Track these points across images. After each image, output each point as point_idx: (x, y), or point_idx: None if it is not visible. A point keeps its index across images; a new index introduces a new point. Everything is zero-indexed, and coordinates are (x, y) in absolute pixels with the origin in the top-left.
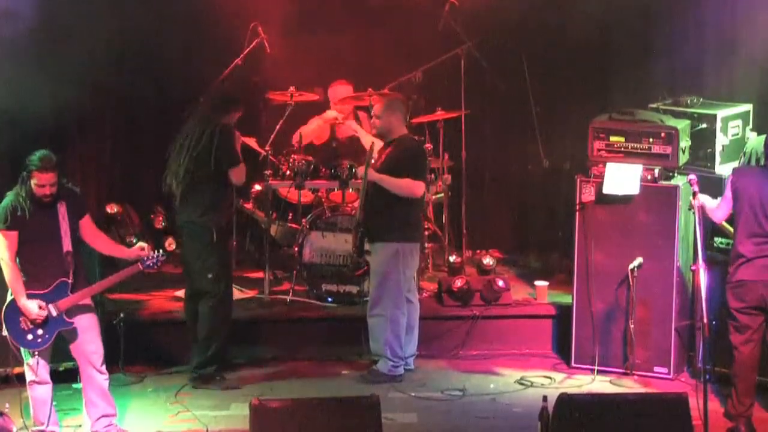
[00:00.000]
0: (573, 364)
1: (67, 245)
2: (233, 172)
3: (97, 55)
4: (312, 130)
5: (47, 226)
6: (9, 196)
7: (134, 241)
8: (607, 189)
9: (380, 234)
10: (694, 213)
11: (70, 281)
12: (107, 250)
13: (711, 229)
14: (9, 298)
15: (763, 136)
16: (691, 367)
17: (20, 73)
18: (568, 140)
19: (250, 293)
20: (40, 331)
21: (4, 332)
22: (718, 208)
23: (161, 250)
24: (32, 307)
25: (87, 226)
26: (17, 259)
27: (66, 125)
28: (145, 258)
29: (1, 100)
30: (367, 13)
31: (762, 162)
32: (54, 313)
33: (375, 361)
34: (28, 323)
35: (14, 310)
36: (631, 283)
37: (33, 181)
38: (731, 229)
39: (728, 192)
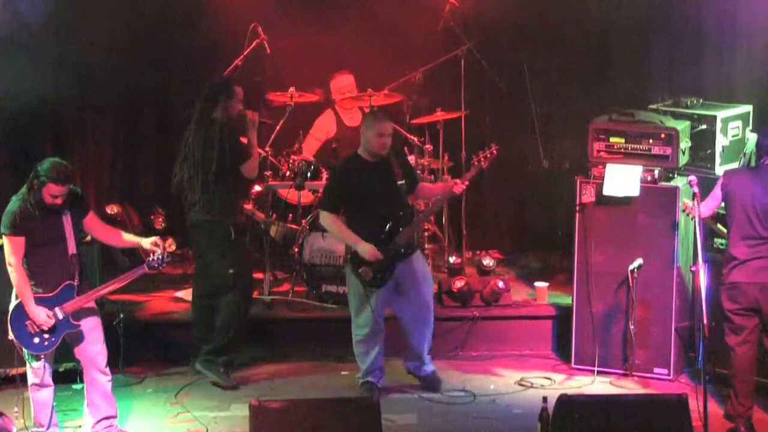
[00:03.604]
0: (573, 365)
1: (72, 248)
2: (244, 167)
3: (98, 55)
4: (319, 129)
5: (53, 229)
6: (15, 201)
7: None
8: (607, 190)
9: (417, 243)
10: (687, 214)
11: (75, 283)
12: (120, 242)
13: (711, 230)
14: (15, 301)
15: None
16: (691, 368)
17: (21, 73)
18: (568, 140)
19: None
20: (46, 335)
21: (11, 336)
22: (703, 203)
23: (164, 253)
24: (41, 314)
25: (93, 222)
26: (24, 264)
27: (66, 125)
28: (151, 259)
29: (2, 100)
30: (367, 14)
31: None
32: (60, 316)
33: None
34: (35, 327)
35: (20, 313)
36: (631, 284)
37: (46, 191)
38: (725, 231)
39: (717, 191)
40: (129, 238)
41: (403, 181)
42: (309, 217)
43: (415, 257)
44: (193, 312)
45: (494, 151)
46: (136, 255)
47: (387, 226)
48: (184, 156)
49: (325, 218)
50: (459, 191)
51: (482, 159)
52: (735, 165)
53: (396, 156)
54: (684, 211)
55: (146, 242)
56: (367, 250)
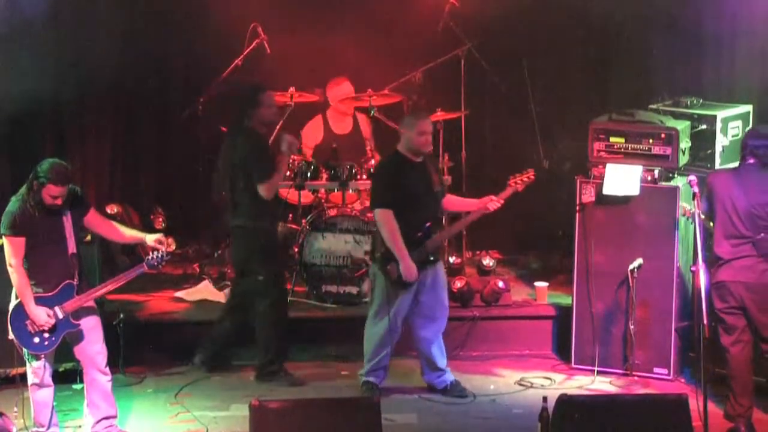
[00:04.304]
0: (573, 365)
1: (72, 247)
2: (260, 187)
3: (98, 55)
4: (307, 137)
5: (53, 229)
6: (15, 202)
7: None
8: (607, 190)
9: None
10: (686, 217)
11: (75, 283)
12: (122, 237)
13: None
14: (15, 301)
15: None
16: (691, 368)
17: (21, 73)
18: (568, 140)
19: None
20: (47, 334)
21: (11, 336)
22: (703, 201)
23: (164, 251)
24: (41, 314)
25: (94, 218)
26: (24, 264)
27: (66, 125)
28: (151, 257)
29: (2, 100)
30: (367, 14)
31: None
32: (60, 316)
33: None
34: (35, 326)
35: (20, 313)
36: (631, 283)
37: (46, 192)
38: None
39: (707, 190)
40: (131, 234)
41: (440, 188)
42: (309, 217)
43: (439, 266)
44: (224, 306)
45: (531, 176)
46: (135, 254)
47: (423, 229)
48: (222, 161)
49: (380, 215)
50: (494, 209)
51: (518, 182)
52: (735, 165)
53: (432, 162)
54: (684, 215)
55: (150, 238)
56: (408, 268)
